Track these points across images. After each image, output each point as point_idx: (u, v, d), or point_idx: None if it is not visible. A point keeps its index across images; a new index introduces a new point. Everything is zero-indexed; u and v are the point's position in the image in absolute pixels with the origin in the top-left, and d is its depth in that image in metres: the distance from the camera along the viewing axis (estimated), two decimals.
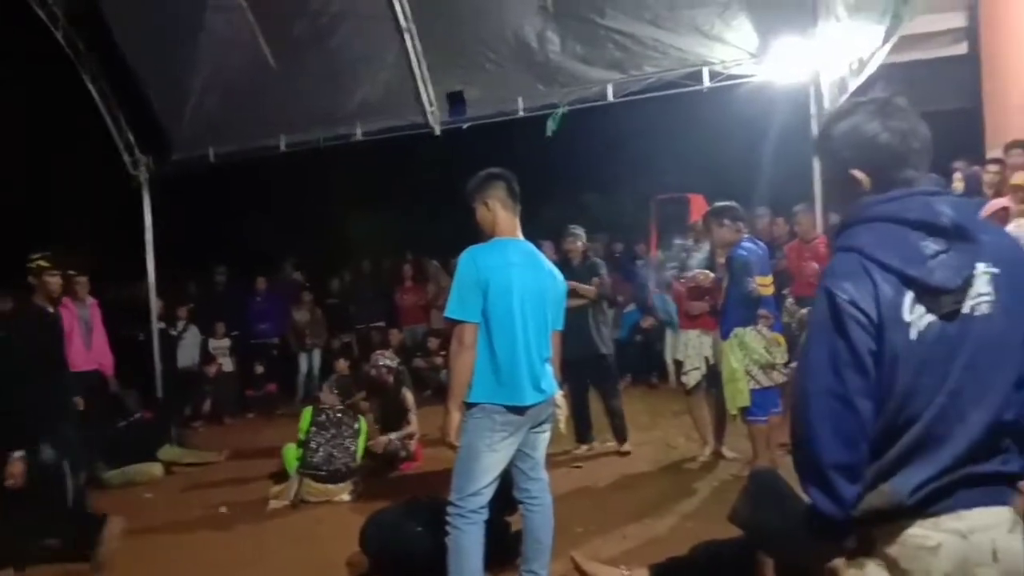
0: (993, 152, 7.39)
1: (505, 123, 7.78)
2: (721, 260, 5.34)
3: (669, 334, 8.04)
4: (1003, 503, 1.67)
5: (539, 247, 8.06)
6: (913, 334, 1.63)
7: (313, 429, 5.70)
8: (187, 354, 9.74)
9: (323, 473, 5.58)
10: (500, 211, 3.38)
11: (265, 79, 7.83)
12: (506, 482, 3.42)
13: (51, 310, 4.86)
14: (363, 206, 13.93)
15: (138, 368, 9.30)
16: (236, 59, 7.87)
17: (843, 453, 1.65)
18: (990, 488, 1.65)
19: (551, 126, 7.38)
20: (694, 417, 6.19)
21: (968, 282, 1.64)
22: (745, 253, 5.07)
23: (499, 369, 3.22)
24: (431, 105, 7.67)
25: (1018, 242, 1.71)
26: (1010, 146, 6.57)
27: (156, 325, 9.07)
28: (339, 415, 5.85)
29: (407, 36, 7.40)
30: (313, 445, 5.65)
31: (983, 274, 1.65)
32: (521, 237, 3.46)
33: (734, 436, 5.92)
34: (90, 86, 8.30)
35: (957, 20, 8.27)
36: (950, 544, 1.62)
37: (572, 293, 6.18)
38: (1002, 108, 7.74)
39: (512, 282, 3.25)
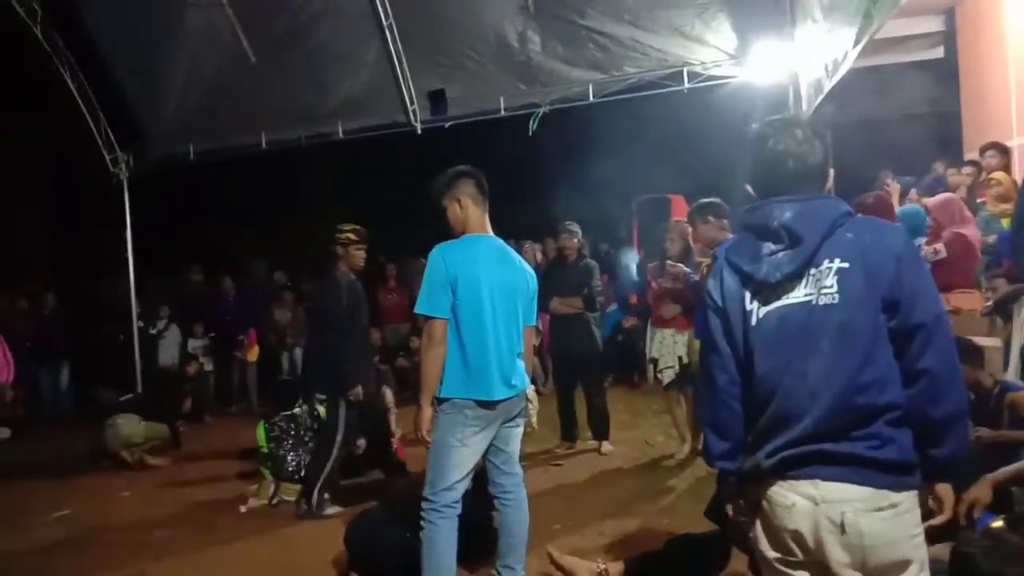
0: (971, 154, 7.49)
1: (487, 122, 7.81)
2: (706, 259, 5.26)
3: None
4: (868, 484, 1.82)
5: (522, 247, 8.08)
6: (753, 321, 1.94)
7: (272, 445, 5.66)
8: (168, 353, 9.69)
9: (298, 478, 5.55)
10: (470, 208, 3.41)
11: (245, 76, 7.83)
12: (482, 477, 3.44)
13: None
14: (344, 204, 13.88)
15: (119, 367, 9.28)
16: (216, 56, 7.86)
17: (710, 414, 2.05)
18: (853, 468, 1.83)
19: (533, 125, 7.41)
20: (672, 415, 6.21)
21: (794, 277, 1.89)
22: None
23: (469, 364, 3.24)
24: (412, 103, 7.69)
25: (883, 241, 1.87)
26: (985, 148, 6.65)
27: (136, 324, 9.03)
28: (291, 421, 5.78)
29: (388, 34, 7.41)
30: (281, 455, 5.61)
31: (827, 269, 1.86)
32: (491, 233, 3.47)
33: None
34: (69, 84, 8.25)
35: (934, 24, 8.36)
36: (802, 506, 1.86)
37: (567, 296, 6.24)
38: (979, 111, 7.84)
39: (481, 278, 3.27)
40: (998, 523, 2.67)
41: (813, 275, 1.88)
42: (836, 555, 1.83)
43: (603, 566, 3.66)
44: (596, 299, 6.41)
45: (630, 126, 11.33)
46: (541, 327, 7.09)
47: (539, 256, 8.72)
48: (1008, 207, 6.18)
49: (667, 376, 6.01)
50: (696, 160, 11.44)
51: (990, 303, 5.13)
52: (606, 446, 6.42)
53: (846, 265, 1.85)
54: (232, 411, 9.55)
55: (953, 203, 5.65)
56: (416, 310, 3.32)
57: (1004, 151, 6.60)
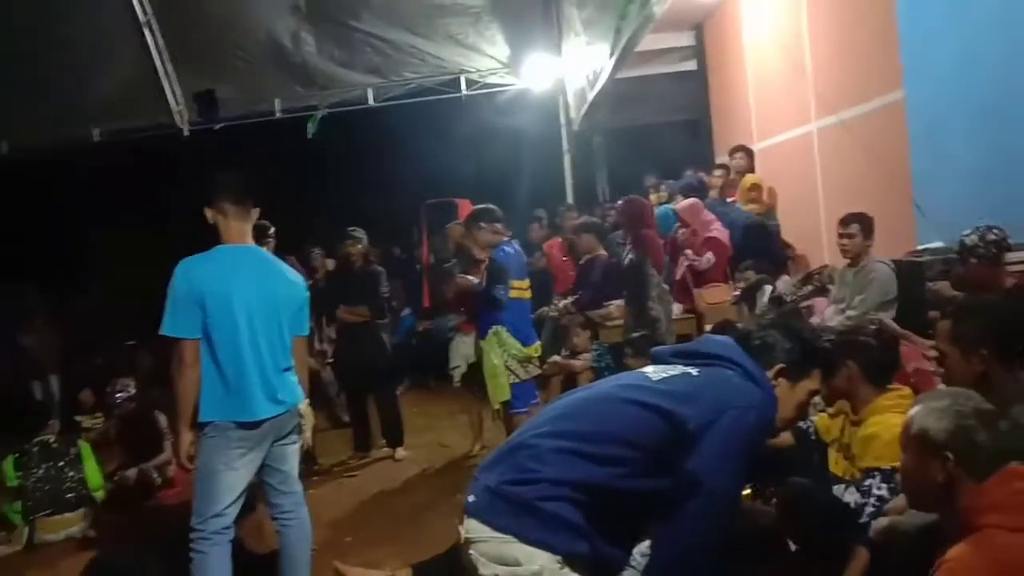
0: (720, 158, 8.29)
1: (265, 124, 7.52)
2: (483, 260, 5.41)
3: None
4: None
5: (310, 254, 7.82)
6: None
7: (20, 474, 5.12)
8: None
9: (52, 509, 5.04)
10: (223, 217, 3.24)
11: None
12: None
13: None
14: (106, 216, 12.71)
15: None
16: None
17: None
18: None
19: (312, 128, 7.23)
20: (469, 414, 6.30)
21: None
22: (502, 257, 5.22)
23: (227, 384, 3.09)
24: (178, 104, 7.21)
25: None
26: (734, 150, 7.40)
27: None
28: (51, 445, 5.29)
29: (147, 31, 6.89)
30: (30, 488, 5.08)
31: None
32: (250, 243, 3.32)
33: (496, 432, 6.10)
34: None
35: (686, 39, 9.16)
36: None
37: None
38: (726, 118, 8.70)
39: (233, 291, 3.11)
40: (745, 491, 2.95)
41: None
42: None
43: (392, 574, 3.63)
44: (384, 306, 6.36)
45: (415, 130, 11.36)
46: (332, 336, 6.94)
47: (323, 262, 8.47)
48: (756, 207, 6.97)
49: (457, 375, 6.17)
50: (479, 164, 11.71)
51: (738, 292, 5.73)
52: (400, 452, 6.38)
53: None
54: None
55: (696, 207, 6.28)
56: (161, 331, 3.09)
57: (750, 153, 7.39)
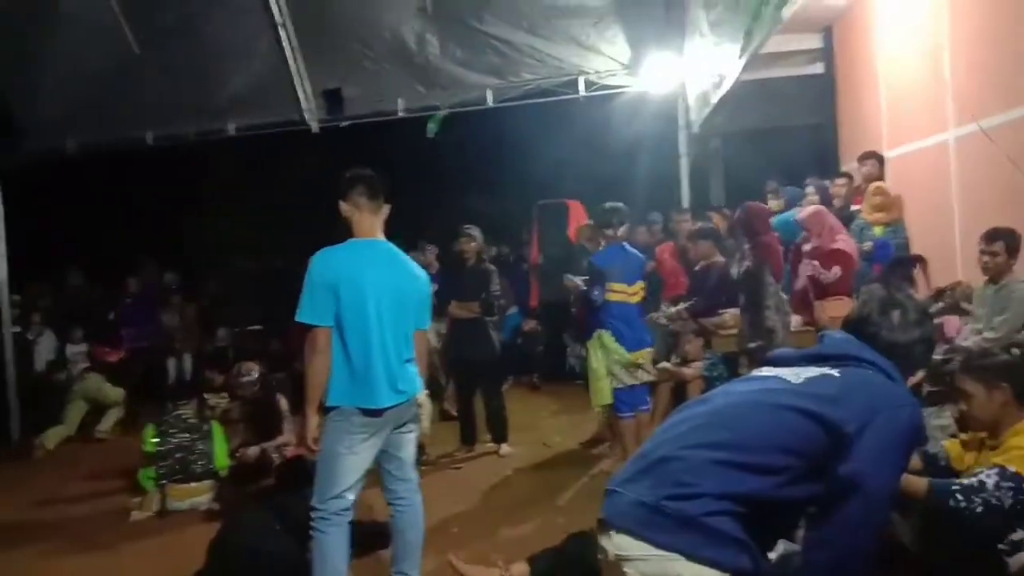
0: (847, 165, 7.95)
1: (387, 123, 7.74)
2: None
3: None
4: None
5: (422, 250, 8.03)
6: None
7: (157, 440, 5.48)
8: (43, 359, 9.13)
9: (182, 476, 5.39)
10: (358, 212, 3.36)
11: (130, 68, 7.46)
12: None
13: None
14: (236, 205, 13.43)
15: None
16: (98, 47, 7.46)
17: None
18: None
19: (432, 128, 7.41)
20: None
21: None
22: (599, 259, 5.19)
23: (354, 372, 3.20)
24: (308, 102, 7.53)
25: None
26: (864, 157, 7.05)
27: (9, 329, 8.48)
28: (187, 420, 5.64)
29: (282, 31, 7.24)
30: (164, 454, 5.44)
31: None
32: (381, 237, 3.43)
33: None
34: None
35: (814, 41, 8.83)
36: None
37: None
38: (854, 124, 8.33)
39: (366, 283, 3.23)
40: None
41: None
42: None
43: (505, 569, 3.67)
44: (495, 303, 6.44)
45: (530, 131, 11.46)
46: (442, 331, 7.09)
47: (433, 259, 8.68)
48: (882, 216, 6.63)
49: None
50: (593, 166, 11.68)
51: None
52: (504, 448, 6.46)
53: None
54: None
55: (821, 214, 6.00)
56: (297, 318, 3.23)
57: (880, 160, 7.02)
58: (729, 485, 1.80)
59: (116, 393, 7.98)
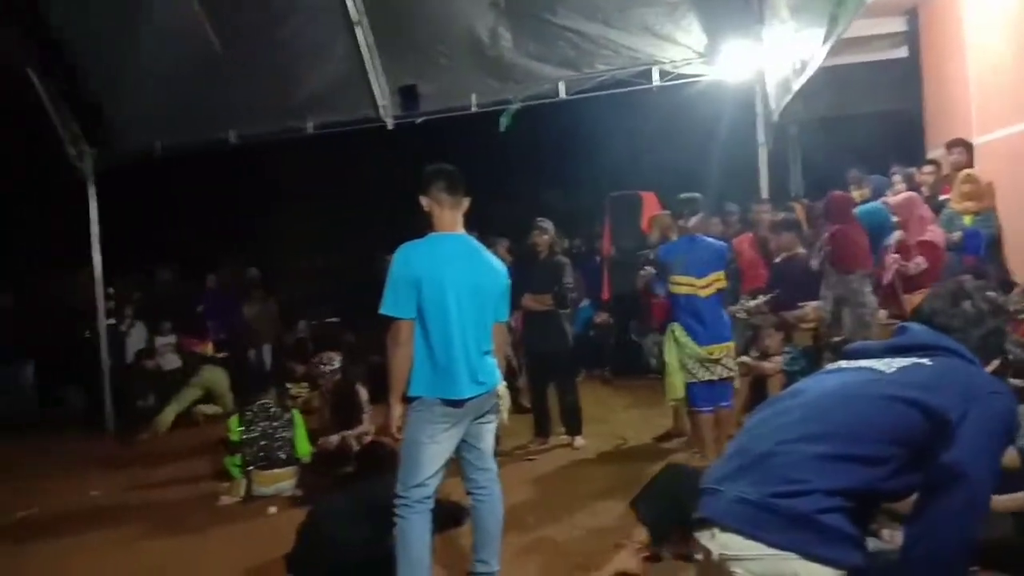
0: (933, 152, 7.64)
1: (459, 118, 7.80)
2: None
3: None
4: None
5: (493, 244, 8.11)
6: None
7: (242, 429, 5.66)
8: (134, 350, 9.58)
9: (266, 463, 5.57)
10: (438, 206, 3.41)
11: (212, 69, 7.69)
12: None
13: None
14: (312, 202, 13.78)
15: (85, 364, 9.14)
16: (182, 49, 7.71)
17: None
18: None
19: (505, 122, 7.43)
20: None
21: None
22: (663, 253, 5.11)
23: (436, 363, 3.26)
24: (383, 99, 7.64)
25: None
26: (953, 144, 6.76)
27: (104, 321, 8.90)
28: (269, 408, 5.80)
29: (358, 29, 7.36)
30: (249, 442, 5.62)
31: None
32: (461, 231, 3.48)
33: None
34: (32, 78, 8.06)
35: (898, 25, 8.52)
36: None
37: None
38: (941, 110, 8.00)
39: (446, 277, 3.28)
40: None
41: None
42: None
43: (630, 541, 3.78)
44: (567, 296, 6.43)
45: (602, 123, 11.39)
46: (514, 324, 7.12)
47: (504, 252, 8.70)
48: (972, 205, 6.34)
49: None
50: (668, 156, 11.53)
51: None
52: (578, 440, 6.46)
53: None
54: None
55: (913, 201, 5.78)
56: (380, 311, 3.30)
57: (969, 148, 6.73)
58: (839, 480, 1.77)
59: (230, 395, 8.33)
